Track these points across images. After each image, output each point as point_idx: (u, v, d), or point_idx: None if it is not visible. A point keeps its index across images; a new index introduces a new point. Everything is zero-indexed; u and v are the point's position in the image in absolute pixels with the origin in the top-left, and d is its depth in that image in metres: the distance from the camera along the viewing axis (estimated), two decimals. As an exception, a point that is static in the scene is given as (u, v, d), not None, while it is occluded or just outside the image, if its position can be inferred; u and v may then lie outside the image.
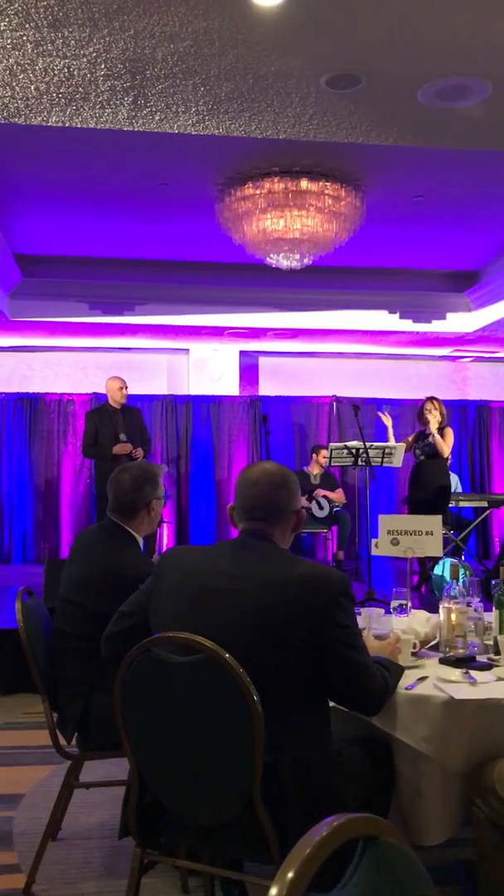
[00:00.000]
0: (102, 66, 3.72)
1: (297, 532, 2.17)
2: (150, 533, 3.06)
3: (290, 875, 0.82)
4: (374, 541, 3.57)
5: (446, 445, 7.12)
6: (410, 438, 7.32)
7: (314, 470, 8.63)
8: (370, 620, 2.56)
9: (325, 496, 8.35)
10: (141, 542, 2.94)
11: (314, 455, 8.70)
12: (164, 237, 7.42)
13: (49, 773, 3.59)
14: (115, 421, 7.33)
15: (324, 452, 8.60)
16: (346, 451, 7.00)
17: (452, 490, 8.38)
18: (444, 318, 8.63)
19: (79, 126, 4.26)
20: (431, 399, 7.25)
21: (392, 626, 2.57)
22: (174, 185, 6.11)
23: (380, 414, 7.72)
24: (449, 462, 7.63)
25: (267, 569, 1.95)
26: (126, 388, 7.52)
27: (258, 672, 1.81)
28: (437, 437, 7.05)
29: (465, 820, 2.19)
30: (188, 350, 9.64)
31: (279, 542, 2.09)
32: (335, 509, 8.42)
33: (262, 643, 1.87)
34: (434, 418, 7.07)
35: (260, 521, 2.08)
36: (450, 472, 7.55)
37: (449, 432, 7.20)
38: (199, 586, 1.98)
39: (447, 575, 3.33)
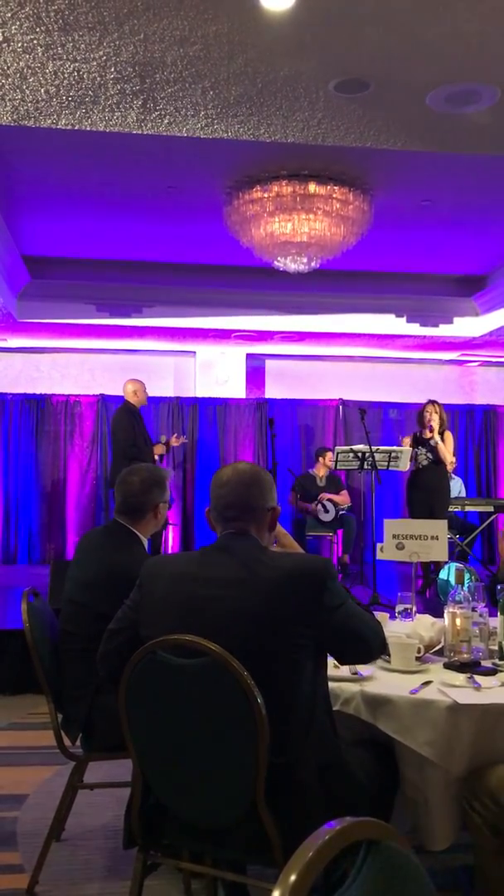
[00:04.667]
0: (112, 70, 3.74)
1: (274, 529, 2.16)
2: (154, 532, 3.07)
3: (293, 878, 0.83)
4: (379, 545, 3.57)
5: (448, 452, 7.09)
6: (409, 444, 7.26)
7: (320, 472, 8.62)
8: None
9: (329, 500, 8.34)
10: (147, 543, 2.94)
11: (320, 458, 8.70)
12: (171, 240, 7.43)
13: (53, 774, 3.59)
14: (142, 422, 7.36)
15: (329, 455, 8.60)
16: (352, 454, 7.00)
17: (456, 494, 8.38)
18: (451, 322, 8.63)
19: (88, 129, 4.28)
20: (432, 402, 7.22)
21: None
22: (182, 187, 6.12)
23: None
24: (454, 466, 7.61)
25: (250, 570, 1.94)
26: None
27: (258, 674, 1.81)
28: (440, 443, 7.01)
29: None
30: (195, 352, 9.65)
31: (259, 539, 2.07)
32: (341, 512, 8.41)
33: (257, 646, 1.87)
34: (435, 423, 7.04)
35: (234, 521, 2.06)
36: (450, 476, 7.53)
37: (449, 436, 7.17)
38: (186, 595, 1.97)
39: (452, 579, 3.33)
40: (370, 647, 2.04)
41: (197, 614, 1.93)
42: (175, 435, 7.62)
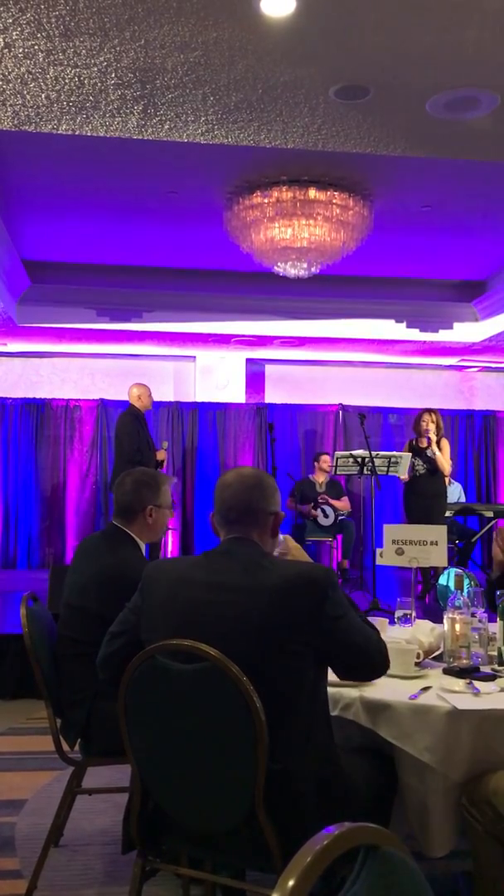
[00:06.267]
0: (113, 76, 3.75)
1: (277, 535, 2.15)
2: (153, 541, 3.02)
3: (291, 883, 0.83)
4: (378, 550, 3.57)
5: (446, 461, 7.07)
6: (405, 451, 7.22)
7: (319, 478, 8.63)
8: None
9: (329, 503, 8.34)
10: (144, 547, 2.92)
11: (315, 462, 8.71)
12: (172, 245, 7.45)
13: (52, 779, 3.59)
14: (146, 427, 7.36)
15: (325, 458, 8.62)
16: (351, 459, 7.00)
17: (455, 499, 8.37)
18: (450, 327, 8.64)
19: (89, 134, 4.29)
20: (429, 411, 7.17)
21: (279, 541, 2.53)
22: (183, 193, 6.13)
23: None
24: (452, 471, 7.58)
25: (253, 576, 1.94)
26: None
27: (257, 681, 1.81)
28: (438, 454, 6.99)
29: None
30: (195, 357, 9.66)
31: (262, 546, 2.06)
32: (340, 518, 8.41)
33: (257, 652, 1.87)
34: (432, 433, 7.01)
35: (236, 523, 2.06)
36: (449, 482, 7.50)
37: (445, 443, 7.13)
38: (187, 600, 1.97)
39: (452, 585, 3.33)
40: (371, 661, 2.01)
41: (197, 619, 1.93)
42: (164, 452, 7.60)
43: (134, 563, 2.74)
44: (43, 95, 3.91)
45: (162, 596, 2.03)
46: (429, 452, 7.01)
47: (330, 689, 2.12)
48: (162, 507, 2.93)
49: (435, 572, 6.42)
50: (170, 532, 9.13)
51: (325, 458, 8.64)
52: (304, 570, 1.97)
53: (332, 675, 2.20)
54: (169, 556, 8.99)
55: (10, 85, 3.81)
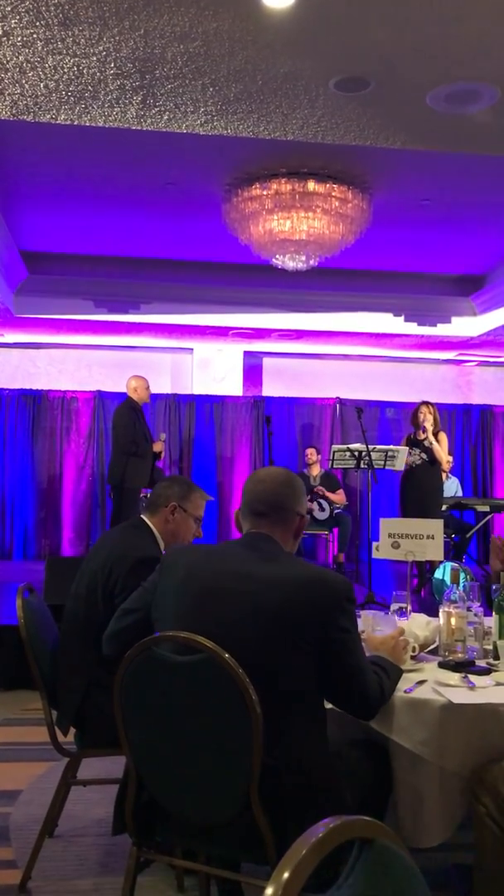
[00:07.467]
0: (112, 65, 3.73)
1: (299, 537, 2.18)
2: (171, 543, 2.95)
3: (286, 875, 0.83)
4: (374, 544, 3.57)
5: (444, 452, 7.09)
6: (403, 445, 7.24)
7: (313, 471, 8.64)
8: (374, 622, 2.56)
9: (325, 496, 8.34)
10: (161, 543, 2.90)
11: (304, 458, 8.77)
12: (170, 236, 7.43)
13: (47, 770, 3.59)
14: (143, 419, 7.38)
15: (308, 452, 8.67)
16: (348, 453, 7.00)
17: (452, 493, 8.38)
18: (448, 321, 8.63)
19: (87, 124, 4.27)
20: (426, 404, 7.20)
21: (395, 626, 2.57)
22: (181, 184, 6.11)
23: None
24: (451, 465, 7.58)
25: (271, 569, 1.96)
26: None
27: (259, 673, 1.81)
28: (436, 444, 7.01)
29: (461, 823, 2.19)
30: (192, 349, 9.65)
31: (283, 545, 2.09)
32: (336, 511, 8.42)
33: (264, 644, 1.87)
34: (429, 424, 7.03)
35: (262, 516, 2.08)
36: (447, 476, 7.51)
37: (443, 437, 7.16)
38: (202, 586, 1.99)
39: (448, 579, 3.34)
40: (367, 702, 1.99)
41: (208, 606, 1.95)
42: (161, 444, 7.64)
43: (142, 546, 2.74)
44: (41, 85, 3.89)
45: (177, 579, 2.05)
46: (426, 443, 7.02)
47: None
48: (188, 512, 2.90)
49: (431, 566, 6.43)
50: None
51: (309, 451, 8.70)
52: (324, 572, 2.00)
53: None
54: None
55: (9, 74, 3.79)
